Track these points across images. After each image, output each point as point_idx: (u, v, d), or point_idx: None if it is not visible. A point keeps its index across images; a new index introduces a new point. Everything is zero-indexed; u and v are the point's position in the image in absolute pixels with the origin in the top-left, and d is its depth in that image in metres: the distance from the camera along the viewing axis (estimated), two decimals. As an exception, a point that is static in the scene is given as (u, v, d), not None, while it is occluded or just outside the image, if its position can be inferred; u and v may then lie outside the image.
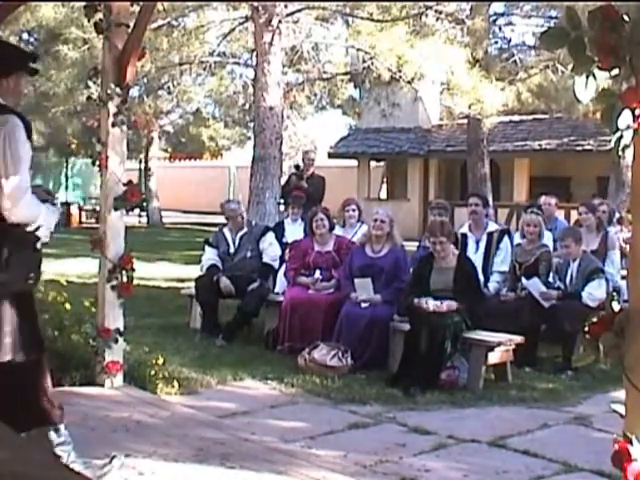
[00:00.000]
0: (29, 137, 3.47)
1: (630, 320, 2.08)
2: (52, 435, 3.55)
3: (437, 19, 18.05)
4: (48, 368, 3.59)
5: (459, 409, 5.66)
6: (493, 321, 6.64)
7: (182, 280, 11.59)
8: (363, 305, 6.84)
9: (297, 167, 11.19)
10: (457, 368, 6.24)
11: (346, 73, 20.07)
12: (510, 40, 21.31)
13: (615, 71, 2.07)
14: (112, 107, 5.35)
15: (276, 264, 8.22)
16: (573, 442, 4.94)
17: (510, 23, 21.25)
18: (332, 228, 7.79)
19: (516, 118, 22.97)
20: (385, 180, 27.21)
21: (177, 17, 16.76)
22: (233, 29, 18.14)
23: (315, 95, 23.77)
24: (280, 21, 14.68)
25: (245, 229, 8.26)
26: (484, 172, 19.37)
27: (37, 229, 3.46)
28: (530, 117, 22.92)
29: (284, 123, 16.75)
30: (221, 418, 5.17)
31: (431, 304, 6.38)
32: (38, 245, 3.53)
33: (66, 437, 3.60)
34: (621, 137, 2.06)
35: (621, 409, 2.13)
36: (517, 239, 7.88)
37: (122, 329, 5.46)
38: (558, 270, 7.31)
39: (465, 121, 19.71)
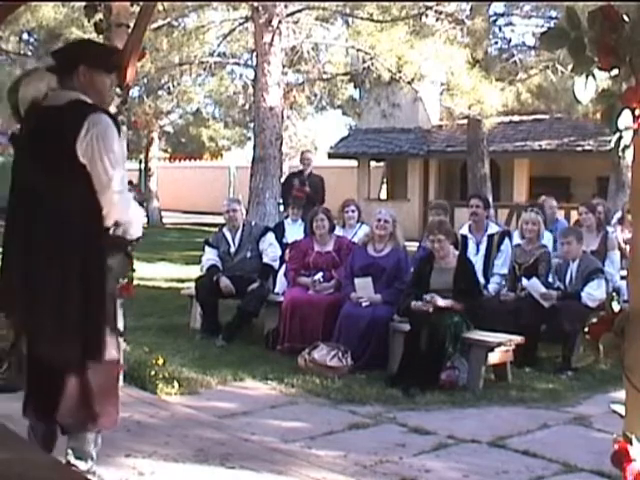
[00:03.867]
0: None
1: (630, 320, 2.08)
2: (90, 435, 3.54)
3: (437, 19, 18.06)
4: (119, 372, 3.66)
5: (459, 409, 5.66)
6: (493, 321, 6.64)
7: (182, 280, 11.58)
8: (363, 305, 6.84)
9: (301, 172, 11.19)
10: (457, 368, 6.23)
11: (346, 73, 20.09)
12: (510, 40, 21.35)
13: (615, 71, 2.07)
14: (112, 107, 5.35)
15: (276, 264, 8.21)
16: (573, 442, 4.94)
17: (510, 23, 21.30)
18: (333, 229, 7.79)
19: (516, 118, 22.98)
20: (385, 180, 27.21)
21: (177, 17, 16.79)
22: (233, 29, 18.17)
23: (315, 95, 23.79)
24: (280, 21, 14.70)
25: (242, 228, 8.24)
26: (484, 172, 19.39)
27: (128, 233, 3.50)
28: (530, 117, 22.92)
29: (284, 123, 16.77)
30: (221, 418, 5.17)
31: (428, 297, 6.40)
32: (129, 249, 3.61)
33: (98, 443, 3.60)
34: (621, 137, 2.07)
35: (621, 409, 2.13)
36: (516, 239, 7.87)
37: (122, 329, 5.45)
38: (558, 270, 7.31)
39: (465, 121, 19.72)
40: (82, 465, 3.52)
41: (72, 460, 3.51)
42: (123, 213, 3.41)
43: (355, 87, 21.43)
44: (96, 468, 3.61)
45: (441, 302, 6.37)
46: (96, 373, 3.42)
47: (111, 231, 3.44)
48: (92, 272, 3.34)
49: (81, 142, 3.30)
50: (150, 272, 12.40)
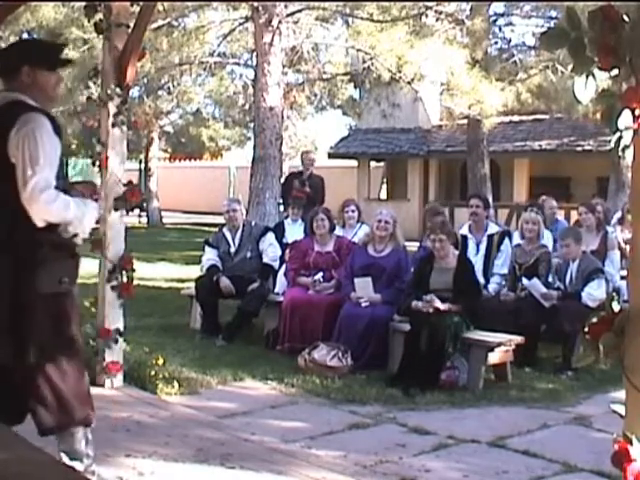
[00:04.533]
0: (59, 136, 3.44)
1: (630, 320, 2.09)
2: (78, 434, 3.54)
3: (437, 19, 18.06)
4: (83, 369, 3.61)
5: (459, 409, 5.66)
6: (493, 321, 6.64)
7: (182, 280, 11.59)
8: (363, 305, 6.84)
9: (301, 172, 11.15)
10: (457, 368, 6.24)
11: (346, 73, 20.09)
12: (510, 40, 21.34)
13: (615, 71, 2.08)
14: (112, 107, 5.35)
15: (276, 264, 8.21)
16: (573, 442, 4.94)
17: (510, 23, 21.28)
18: (333, 228, 7.79)
19: (516, 118, 22.98)
20: (385, 180, 27.22)
21: (177, 17, 16.79)
22: (233, 29, 18.16)
23: (315, 95, 23.79)
24: (280, 21, 14.70)
25: (242, 228, 8.24)
26: (484, 172, 19.39)
27: (68, 231, 3.47)
28: (530, 117, 22.93)
29: (284, 123, 16.76)
30: (221, 418, 5.17)
31: (428, 297, 6.39)
32: (75, 250, 3.53)
33: (89, 439, 3.60)
34: (621, 137, 2.07)
35: (621, 409, 2.13)
36: (517, 239, 7.88)
37: (122, 329, 5.46)
38: (558, 270, 7.31)
39: (465, 121, 19.72)
40: (78, 465, 3.52)
41: (67, 463, 3.51)
42: (48, 213, 3.36)
43: (355, 87, 21.41)
44: (95, 467, 3.61)
45: (440, 305, 6.36)
46: (60, 372, 3.43)
47: (60, 231, 3.43)
48: (20, 271, 3.36)
49: (10, 143, 3.32)
50: (150, 272, 12.40)
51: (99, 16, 5.36)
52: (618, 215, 9.56)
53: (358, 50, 16.21)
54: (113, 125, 5.35)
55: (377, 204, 21.62)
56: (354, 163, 26.32)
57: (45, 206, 3.33)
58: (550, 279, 7.31)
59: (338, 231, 8.09)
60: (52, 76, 3.55)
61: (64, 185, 3.51)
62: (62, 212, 3.40)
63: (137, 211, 25.39)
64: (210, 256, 8.26)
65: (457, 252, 6.86)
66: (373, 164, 26.44)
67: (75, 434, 3.53)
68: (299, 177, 10.92)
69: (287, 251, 8.16)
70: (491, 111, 16.34)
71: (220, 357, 7.00)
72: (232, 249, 8.19)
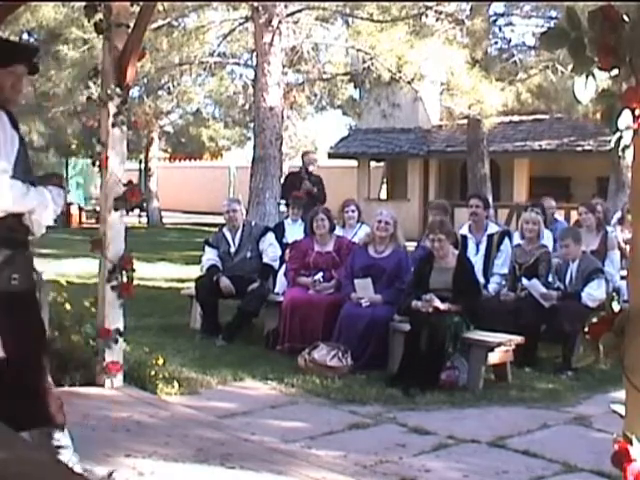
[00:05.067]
0: (15, 128, 3.45)
1: (630, 320, 2.09)
2: (52, 437, 3.54)
3: (437, 19, 18.05)
4: (47, 368, 3.59)
5: (459, 409, 5.66)
6: (493, 321, 6.65)
7: (182, 280, 11.59)
8: (363, 305, 6.84)
9: (309, 173, 11.13)
10: (457, 368, 6.24)
11: (346, 73, 20.08)
12: (510, 40, 21.32)
13: (615, 71, 2.08)
14: (112, 107, 5.35)
15: (276, 264, 8.22)
16: (573, 442, 4.94)
17: (510, 23, 21.26)
18: (333, 228, 7.79)
19: (516, 118, 22.99)
20: (385, 180, 27.22)
21: (177, 17, 16.78)
22: (233, 29, 18.15)
23: (315, 95, 23.77)
24: (280, 21, 14.70)
25: (242, 228, 8.24)
26: (484, 172, 19.39)
27: (27, 229, 3.47)
28: (530, 117, 22.93)
29: (284, 123, 16.75)
30: (221, 418, 5.17)
31: (427, 297, 6.39)
32: (28, 246, 3.53)
33: (66, 440, 3.59)
34: (621, 137, 2.07)
35: (621, 409, 2.13)
36: (517, 239, 7.88)
37: (122, 329, 5.45)
38: (558, 271, 7.31)
39: (465, 121, 19.72)
40: None
41: None
42: (6, 200, 3.36)
43: (355, 87, 21.40)
44: (78, 464, 3.60)
45: (440, 305, 6.36)
46: (20, 372, 3.42)
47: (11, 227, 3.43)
48: None
49: None
50: (150, 272, 12.40)
51: (99, 16, 5.36)
52: (618, 215, 9.56)
53: (358, 50, 16.20)
54: (113, 125, 5.34)
55: (377, 204, 21.62)
56: (354, 163, 26.32)
57: (1, 193, 3.34)
58: (550, 279, 7.31)
59: (338, 231, 8.09)
60: (9, 75, 3.53)
61: (25, 176, 3.48)
62: (20, 199, 3.41)
63: (137, 211, 25.43)
64: (210, 256, 8.26)
65: (457, 252, 6.86)
66: (373, 164, 26.44)
67: (54, 434, 3.52)
68: (300, 176, 10.90)
69: (287, 251, 8.16)
70: (491, 111, 16.34)
71: (220, 357, 7.00)
72: (232, 249, 8.20)
